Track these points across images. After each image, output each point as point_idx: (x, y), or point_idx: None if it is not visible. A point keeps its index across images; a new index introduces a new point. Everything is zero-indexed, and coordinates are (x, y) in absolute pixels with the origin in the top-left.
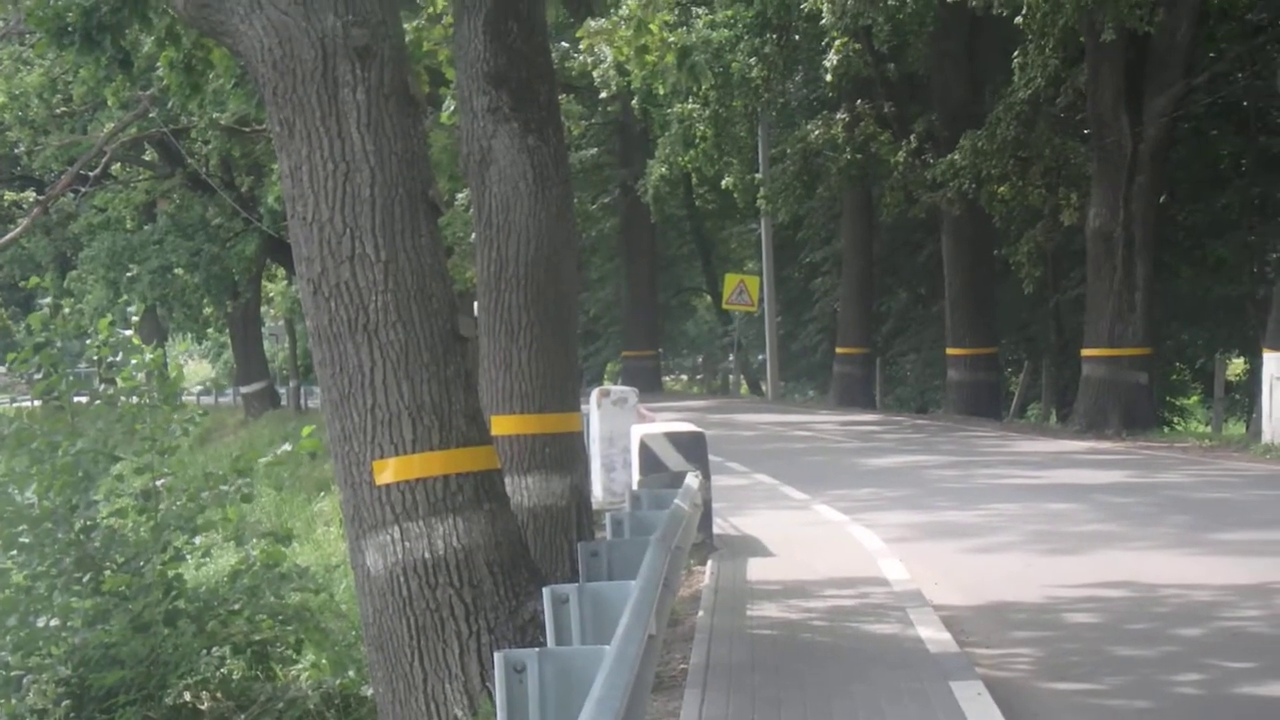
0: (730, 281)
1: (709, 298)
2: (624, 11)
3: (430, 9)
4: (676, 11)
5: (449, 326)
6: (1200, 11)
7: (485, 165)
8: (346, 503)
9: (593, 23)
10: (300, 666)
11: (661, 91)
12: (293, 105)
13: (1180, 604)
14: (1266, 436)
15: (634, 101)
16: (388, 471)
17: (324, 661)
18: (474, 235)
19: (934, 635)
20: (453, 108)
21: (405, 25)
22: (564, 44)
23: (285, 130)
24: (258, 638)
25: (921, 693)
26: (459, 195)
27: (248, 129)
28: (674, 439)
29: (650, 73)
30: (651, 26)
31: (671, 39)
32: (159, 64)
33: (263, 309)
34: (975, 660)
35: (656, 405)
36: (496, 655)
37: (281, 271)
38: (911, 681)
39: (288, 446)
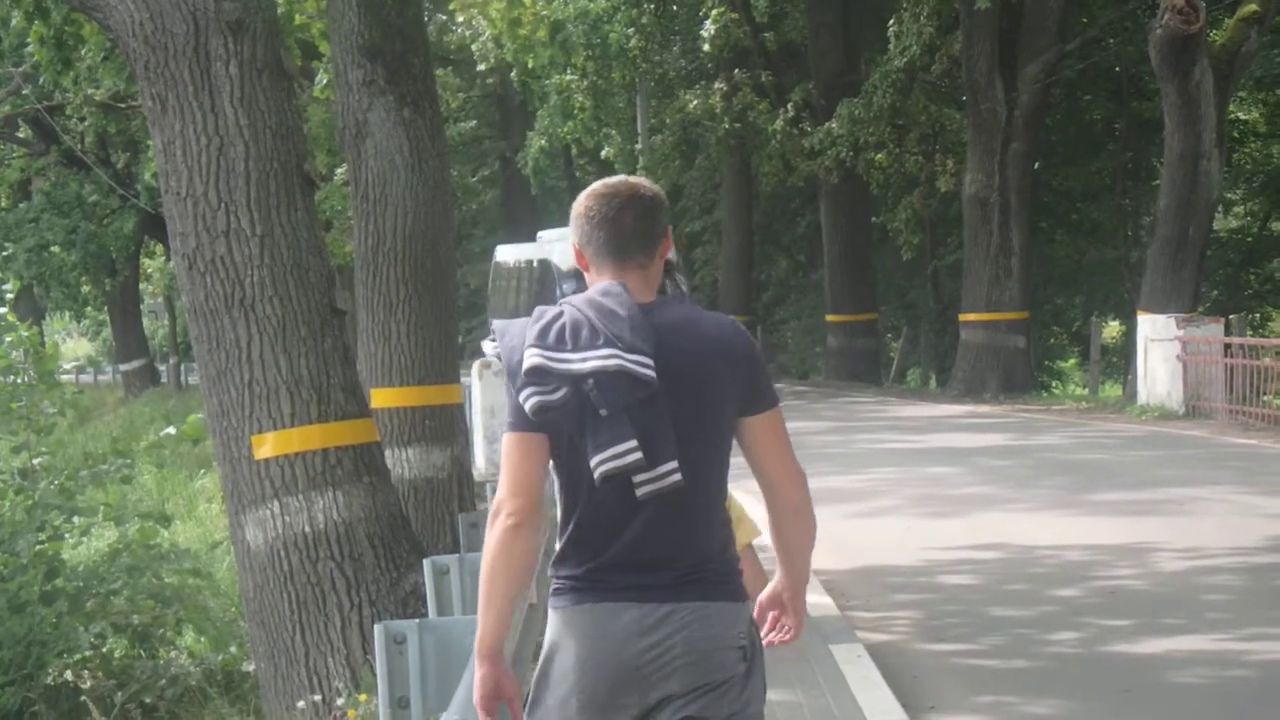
0: None
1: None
2: None
3: None
4: None
5: (326, 300)
6: None
7: (361, 139)
8: (225, 478)
9: None
10: (181, 644)
11: (531, 65)
12: (165, 80)
13: (1057, 564)
14: (1142, 398)
15: (512, 74)
16: (266, 446)
17: (205, 639)
18: (351, 210)
19: (815, 600)
20: (325, 81)
21: None
22: (441, 17)
23: (158, 105)
24: (138, 619)
25: (802, 656)
26: (338, 170)
27: (123, 105)
28: None
29: (521, 46)
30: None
31: (544, 12)
32: (29, 40)
33: (141, 286)
34: (855, 623)
35: None
36: (376, 627)
37: (160, 248)
38: (791, 647)
39: (170, 430)
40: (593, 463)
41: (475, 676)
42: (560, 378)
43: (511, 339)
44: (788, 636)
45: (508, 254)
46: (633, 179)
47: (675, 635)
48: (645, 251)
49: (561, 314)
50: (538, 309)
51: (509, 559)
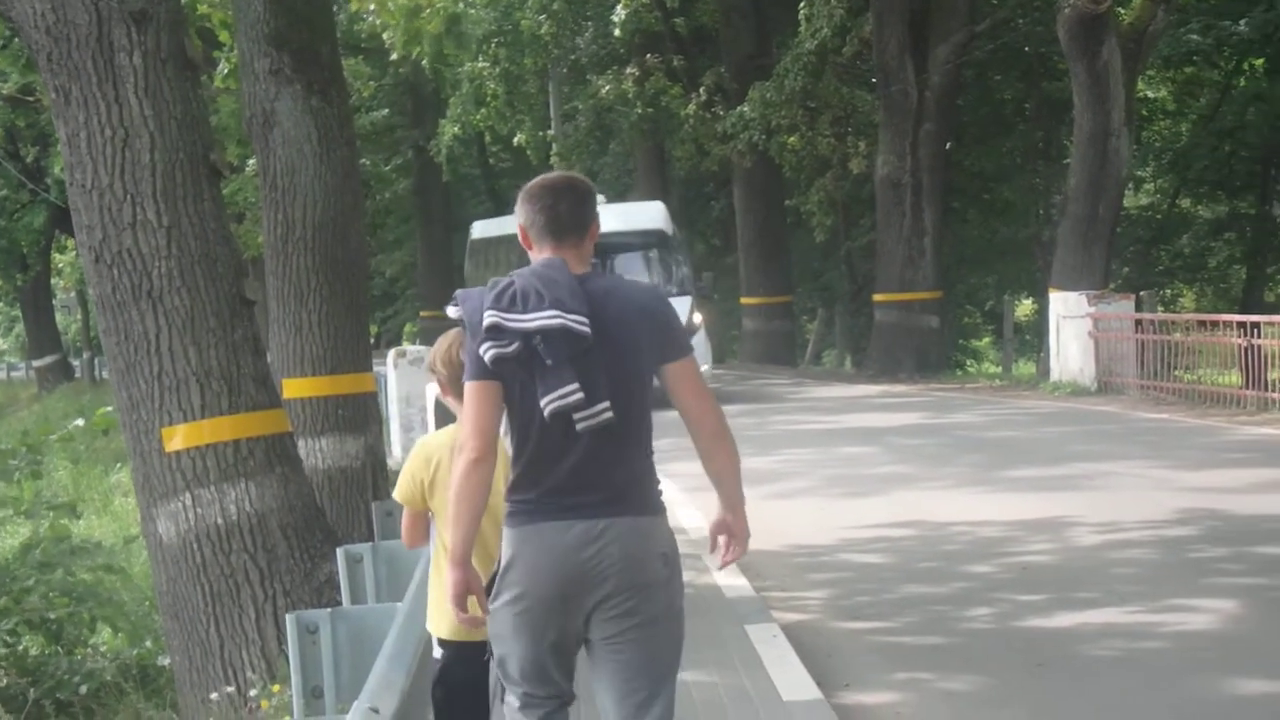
0: None
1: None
2: None
3: None
4: None
5: (235, 291)
6: None
7: (269, 128)
8: (137, 471)
9: None
10: (96, 641)
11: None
12: (68, 71)
13: (971, 541)
14: (1054, 375)
15: (424, 62)
16: (177, 438)
17: (121, 634)
18: (261, 200)
19: (730, 581)
20: (227, 70)
21: None
22: (352, 5)
23: (61, 97)
24: (53, 615)
25: (718, 637)
26: (250, 161)
27: (32, 99)
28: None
29: (411, 39)
30: None
31: (441, 4)
32: None
33: (53, 281)
34: (771, 603)
35: None
36: (288, 617)
37: (71, 243)
38: (708, 626)
39: (79, 422)
40: (542, 403)
41: (448, 579)
42: (513, 334)
43: (473, 303)
44: (738, 553)
45: (484, 229)
46: (569, 174)
47: (612, 545)
48: (578, 233)
49: (513, 282)
50: (493, 279)
51: (471, 487)
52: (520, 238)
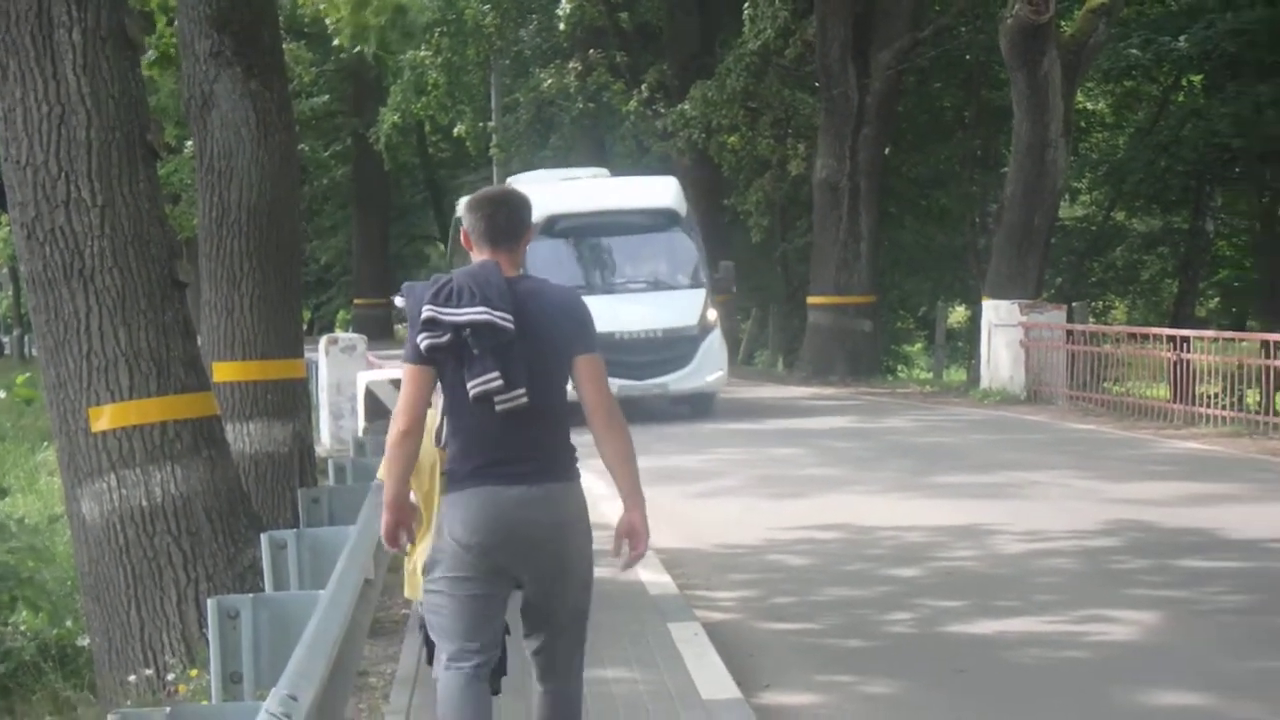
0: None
1: (441, 246)
2: None
3: None
4: None
5: (167, 272)
6: None
7: (207, 109)
8: (62, 451)
9: None
10: (15, 619)
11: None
12: (5, 46)
13: (896, 545)
14: (985, 382)
15: (367, 52)
16: (104, 419)
17: (42, 613)
18: (197, 182)
19: (654, 578)
20: (154, 57)
21: None
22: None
23: None
24: None
25: (640, 634)
26: (187, 142)
27: None
28: (400, 385)
29: (359, 33)
30: None
31: None
32: None
33: None
34: (694, 601)
35: (388, 353)
36: (209, 601)
37: (3, 218)
38: (631, 623)
39: (1, 395)
40: (468, 386)
41: (382, 520)
42: (446, 326)
43: (416, 296)
44: (639, 554)
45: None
46: (508, 188)
47: (540, 505)
48: (511, 240)
49: (450, 281)
50: (435, 276)
51: (402, 454)
52: (463, 240)
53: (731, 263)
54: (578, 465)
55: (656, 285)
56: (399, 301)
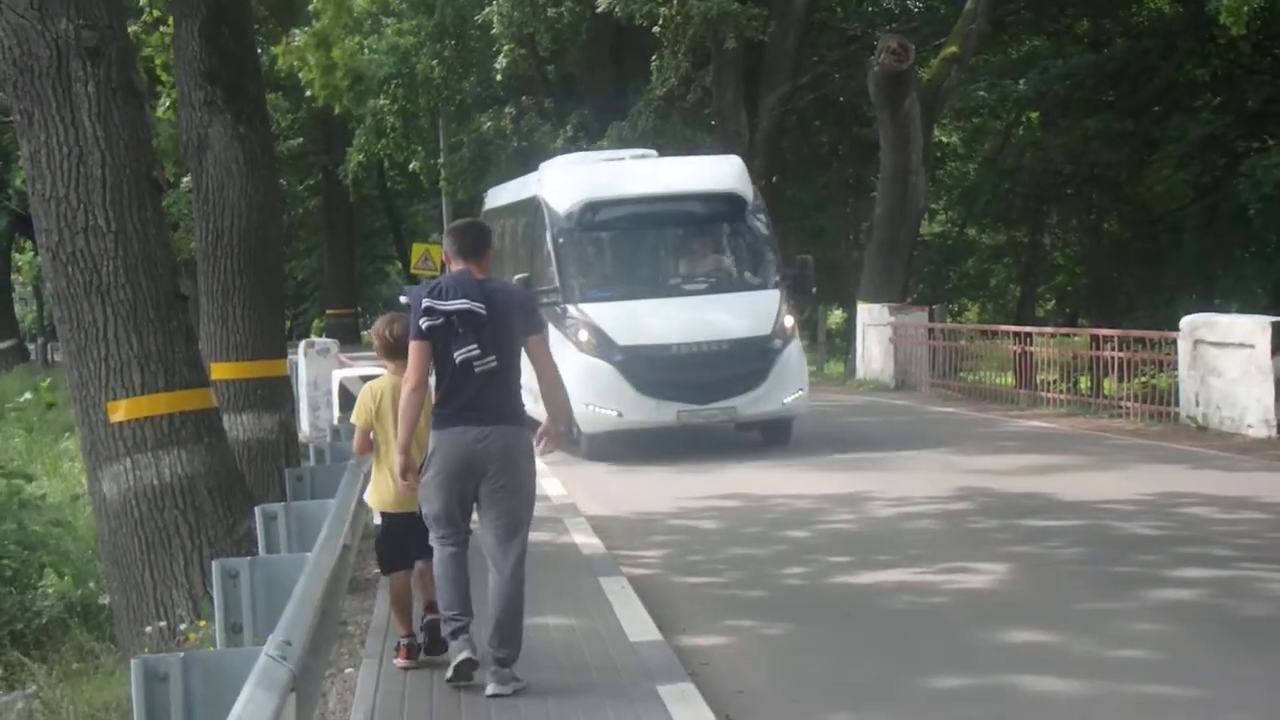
0: (417, 250)
1: (399, 264)
2: (316, 26)
3: (148, 16)
4: (369, 22)
5: (172, 287)
6: (805, 24)
7: (202, 151)
8: (84, 439)
9: (298, 34)
10: (45, 584)
11: (336, 109)
12: (31, 97)
13: (788, 511)
14: (860, 373)
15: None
16: (120, 411)
17: (67, 577)
18: (194, 211)
19: (586, 541)
20: (169, 104)
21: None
22: (274, 49)
23: (25, 119)
24: (7, 562)
25: (575, 588)
26: (184, 178)
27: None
28: (368, 381)
29: (331, 94)
30: (334, 54)
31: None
32: None
33: (13, 277)
34: (620, 560)
35: (356, 355)
36: (214, 564)
37: (29, 244)
38: (567, 578)
39: (29, 395)
40: (455, 355)
41: (397, 461)
42: (440, 313)
43: (418, 293)
44: (554, 444)
45: (496, 197)
46: (473, 220)
47: (494, 441)
48: (477, 255)
49: (440, 282)
50: (426, 281)
51: (411, 404)
52: (444, 257)
53: (810, 257)
54: (525, 413)
55: (721, 286)
56: (403, 299)
